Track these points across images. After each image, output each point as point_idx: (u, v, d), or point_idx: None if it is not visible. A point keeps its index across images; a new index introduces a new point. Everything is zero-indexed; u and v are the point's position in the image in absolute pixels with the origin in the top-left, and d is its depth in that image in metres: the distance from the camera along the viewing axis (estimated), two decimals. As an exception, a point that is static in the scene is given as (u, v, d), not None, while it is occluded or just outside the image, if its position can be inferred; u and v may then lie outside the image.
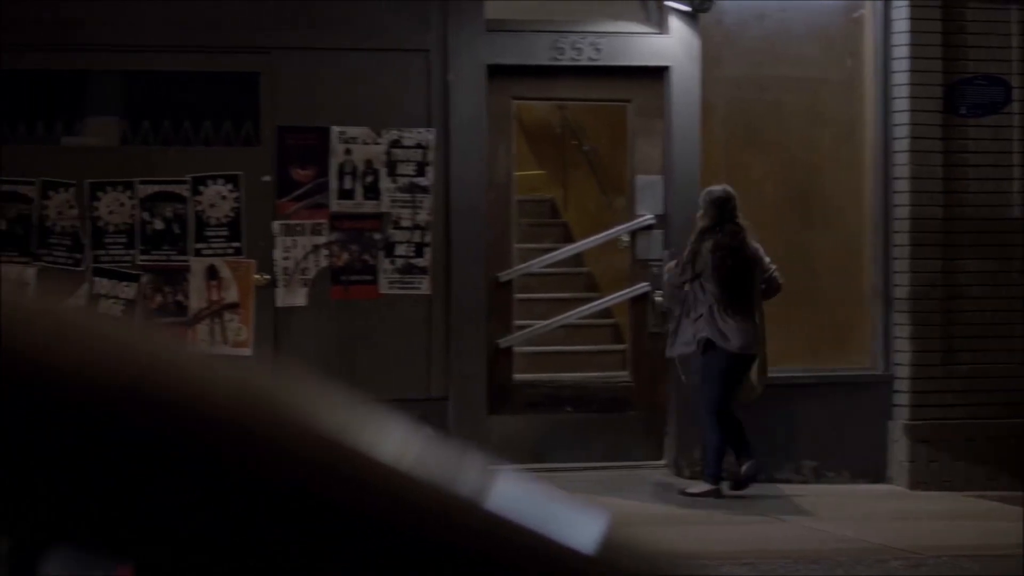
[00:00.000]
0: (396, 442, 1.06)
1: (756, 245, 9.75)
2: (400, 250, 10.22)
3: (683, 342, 9.78)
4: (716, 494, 9.65)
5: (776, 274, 9.78)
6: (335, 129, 10.17)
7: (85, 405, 0.97)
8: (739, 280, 9.63)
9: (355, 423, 1.06)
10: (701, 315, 9.62)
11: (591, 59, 10.39)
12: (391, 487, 1.03)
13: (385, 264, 10.22)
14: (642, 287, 10.54)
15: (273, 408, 1.03)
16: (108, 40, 9.95)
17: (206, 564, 0.99)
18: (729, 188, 9.76)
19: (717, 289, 9.59)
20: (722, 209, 9.64)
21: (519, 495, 1.08)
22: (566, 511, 1.10)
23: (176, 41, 9.98)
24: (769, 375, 9.83)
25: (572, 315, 10.72)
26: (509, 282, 10.49)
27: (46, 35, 9.88)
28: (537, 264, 10.79)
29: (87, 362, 0.99)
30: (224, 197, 10.12)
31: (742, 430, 9.68)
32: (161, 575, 1.00)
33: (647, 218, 10.58)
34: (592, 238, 10.99)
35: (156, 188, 10.06)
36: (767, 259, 9.76)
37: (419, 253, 10.23)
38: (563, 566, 1.07)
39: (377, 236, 10.21)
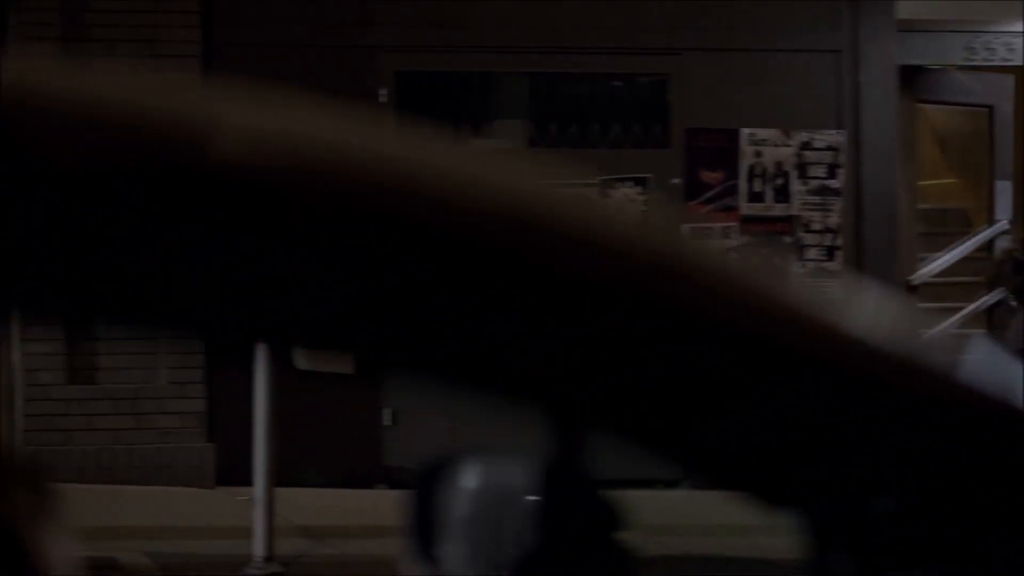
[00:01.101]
0: (870, 313, 1.10)
1: None
2: (811, 253, 10.06)
3: None
4: None
5: None
6: (744, 131, 10.05)
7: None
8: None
9: (828, 297, 1.11)
10: None
11: (1004, 59, 10.19)
12: (867, 356, 1.07)
13: (796, 267, 10.06)
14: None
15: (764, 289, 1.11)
16: (515, 42, 9.92)
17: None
18: None
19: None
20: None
21: (987, 362, 1.10)
22: None
23: (584, 43, 9.93)
24: None
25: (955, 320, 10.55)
26: (917, 287, 10.31)
27: (453, 37, 9.88)
28: (940, 265, 10.65)
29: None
30: (633, 200, 10.04)
31: None
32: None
33: (1002, 224, 10.47)
34: (964, 245, 10.81)
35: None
36: None
37: (830, 256, 10.07)
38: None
39: (788, 239, 10.07)
